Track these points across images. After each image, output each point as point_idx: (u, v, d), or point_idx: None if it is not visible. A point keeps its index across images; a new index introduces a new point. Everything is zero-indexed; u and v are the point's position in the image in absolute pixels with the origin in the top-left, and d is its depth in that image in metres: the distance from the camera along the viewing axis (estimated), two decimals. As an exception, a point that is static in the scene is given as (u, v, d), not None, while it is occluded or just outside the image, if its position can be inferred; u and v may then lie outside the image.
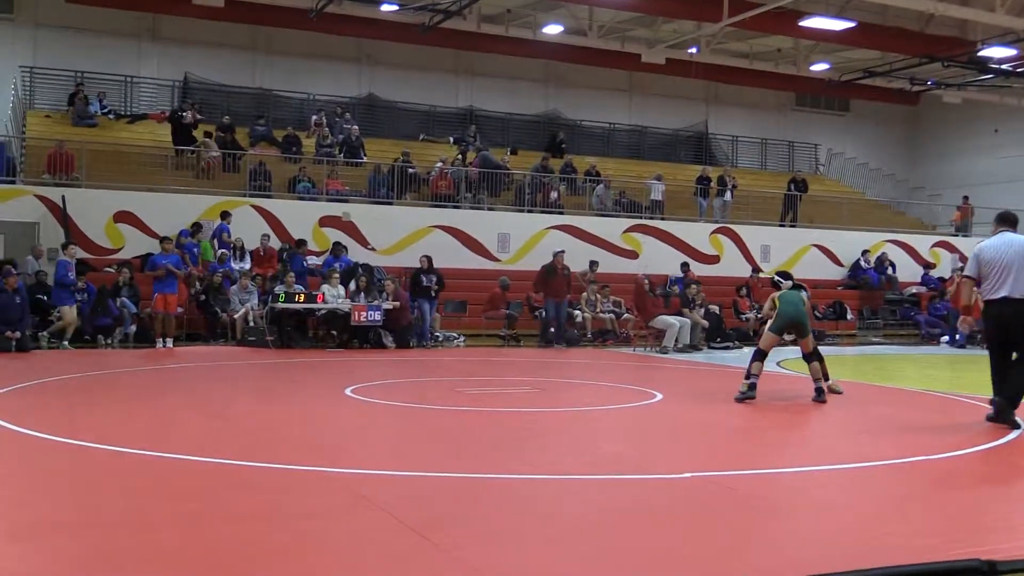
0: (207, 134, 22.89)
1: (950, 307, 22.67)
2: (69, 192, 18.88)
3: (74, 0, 23.03)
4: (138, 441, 7.20)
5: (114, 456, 6.65)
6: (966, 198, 30.23)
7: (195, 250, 18.85)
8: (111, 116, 24.50)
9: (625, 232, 23.90)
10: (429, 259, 18.88)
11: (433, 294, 18.55)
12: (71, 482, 5.90)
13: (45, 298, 16.73)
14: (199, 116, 23.13)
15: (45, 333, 16.18)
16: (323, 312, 17.37)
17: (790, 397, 11.09)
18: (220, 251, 19.07)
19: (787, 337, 11.05)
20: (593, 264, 21.27)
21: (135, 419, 8.62)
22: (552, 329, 19.04)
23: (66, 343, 16.10)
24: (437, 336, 18.57)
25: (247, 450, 7.07)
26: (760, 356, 10.75)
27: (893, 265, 26.16)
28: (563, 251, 19.93)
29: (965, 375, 15.54)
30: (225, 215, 19.59)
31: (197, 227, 19.21)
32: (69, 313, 16.19)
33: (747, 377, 10.50)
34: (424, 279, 18.52)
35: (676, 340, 18.40)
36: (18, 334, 15.12)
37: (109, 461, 6.51)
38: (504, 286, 20.06)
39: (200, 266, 18.72)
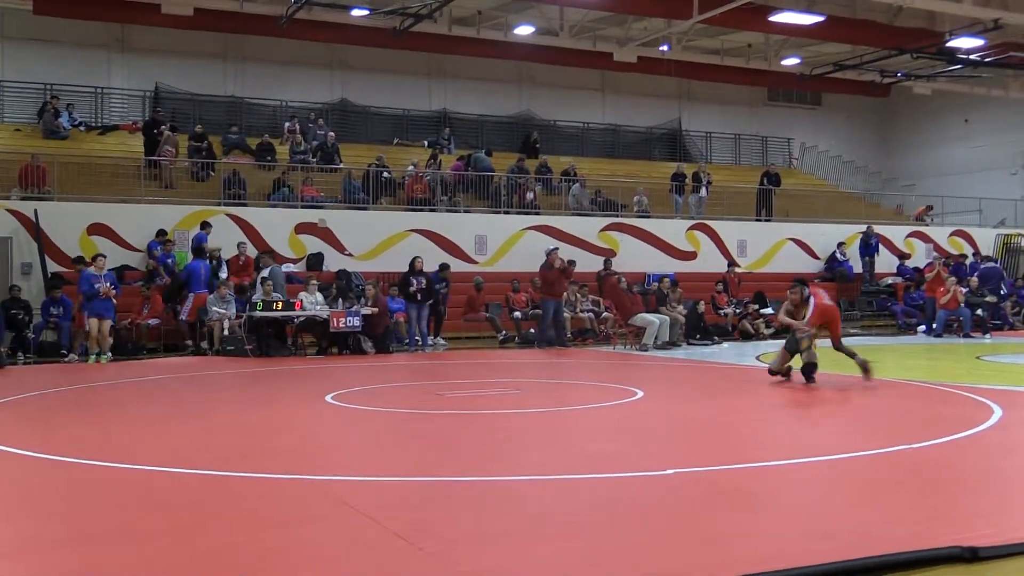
0: (173, 128, 22.84)
1: (926, 296, 22.84)
2: (41, 206, 18.71)
3: (42, 12, 22.82)
4: (120, 454, 7.15)
5: (97, 470, 6.60)
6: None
7: (169, 260, 18.71)
8: (82, 128, 24.32)
9: (602, 231, 23.93)
10: (415, 261, 18.65)
11: (420, 297, 18.39)
12: (54, 497, 5.84)
13: (20, 314, 16.57)
14: (171, 131, 22.91)
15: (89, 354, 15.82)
16: (301, 319, 17.30)
17: (771, 390, 11.14)
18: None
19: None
20: (571, 263, 21.27)
21: (116, 432, 8.55)
22: (552, 331, 18.90)
23: (93, 356, 15.67)
24: (417, 340, 18.45)
25: (230, 460, 7.03)
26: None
27: (877, 244, 26.22)
28: (556, 248, 19.83)
29: (942, 364, 15.66)
30: (205, 225, 19.45)
31: (162, 233, 18.98)
32: (94, 325, 15.79)
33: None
34: (415, 282, 18.38)
35: (656, 337, 18.41)
36: (-6, 350, 14.98)
37: (92, 475, 6.45)
38: (478, 286, 20.04)
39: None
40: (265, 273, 17.90)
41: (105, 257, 16.73)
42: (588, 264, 22.31)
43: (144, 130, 23.33)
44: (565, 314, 19.54)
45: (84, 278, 15.96)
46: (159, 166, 21.87)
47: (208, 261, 18.15)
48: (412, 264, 18.58)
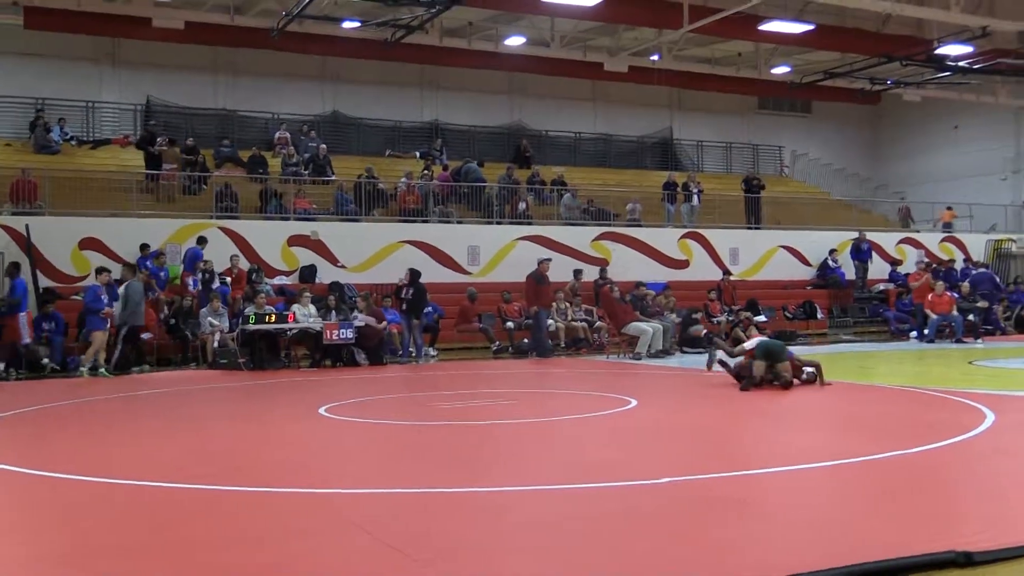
0: (170, 141, 22.79)
1: (915, 302, 22.89)
2: (33, 221, 18.67)
3: (33, 26, 22.80)
4: (117, 470, 7.12)
5: (94, 486, 6.58)
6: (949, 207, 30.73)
7: (161, 274, 18.67)
8: (73, 142, 24.28)
9: (594, 240, 23.96)
10: (409, 273, 18.72)
11: (404, 307, 18.44)
12: (51, 514, 5.82)
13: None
14: (166, 146, 22.83)
15: (83, 367, 15.80)
16: (295, 332, 17.27)
17: (762, 397, 11.15)
18: (189, 278, 18.85)
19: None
20: (577, 273, 21.27)
21: (112, 447, 8.52)
22: (549, 340, 18.94)
23: (101, 370, 15.71)
24: (411, 352, 18.46)
25: (224, 474, 7.01)
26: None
27: (870, 250, 26.30)
28: (549, 259, 19.90)
29: (934, 369, 15.70)
30: (201, 240, 19.36)
31: (145, 248, 18.89)
32: (99, 338, 15.83)
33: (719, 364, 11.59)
34: (405, 292, 18.45)
35: (649, 346, 18.41)
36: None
37: (88, 491, 6.43)
38: (471, 297, 20.05)
39: (167, 290, 18.57)
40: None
41: (109, 272, 16.79)
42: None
43: (139, 145, 23.28)
44: (559, 323, 19.59)
45: (92, 292, 16.13)
46: (156, 180, 21.84)
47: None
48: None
